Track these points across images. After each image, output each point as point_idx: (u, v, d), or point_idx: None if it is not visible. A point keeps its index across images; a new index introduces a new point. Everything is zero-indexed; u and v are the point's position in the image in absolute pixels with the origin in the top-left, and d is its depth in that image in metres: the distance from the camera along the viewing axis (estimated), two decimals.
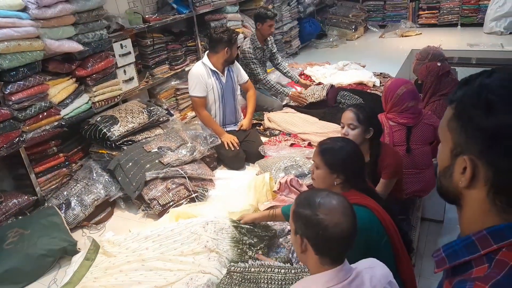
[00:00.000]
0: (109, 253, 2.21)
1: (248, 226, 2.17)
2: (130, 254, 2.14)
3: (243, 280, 1.79)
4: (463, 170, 0.75)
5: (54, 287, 2.13)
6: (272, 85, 4.03)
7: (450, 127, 0.77)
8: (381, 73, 4.71)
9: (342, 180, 1.65)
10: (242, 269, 1.81)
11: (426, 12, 7.34)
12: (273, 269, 1.75)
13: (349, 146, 1.71)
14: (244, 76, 3.60)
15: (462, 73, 4.11)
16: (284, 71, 4.38)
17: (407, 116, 2.49)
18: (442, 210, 3.03)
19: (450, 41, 6.03)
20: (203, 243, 2.08)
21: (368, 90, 4.20)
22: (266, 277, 1.75)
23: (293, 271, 1.73)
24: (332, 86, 4.03)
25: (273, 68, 4.50)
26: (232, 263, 1.89)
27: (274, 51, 4.29)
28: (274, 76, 4.54)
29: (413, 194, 2.58)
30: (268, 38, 4.16)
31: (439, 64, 3.09)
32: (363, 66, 5.02)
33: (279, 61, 4.36)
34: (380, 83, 4.40)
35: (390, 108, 2.53)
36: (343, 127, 2.24)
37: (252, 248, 2.08)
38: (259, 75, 4.00)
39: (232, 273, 1.82)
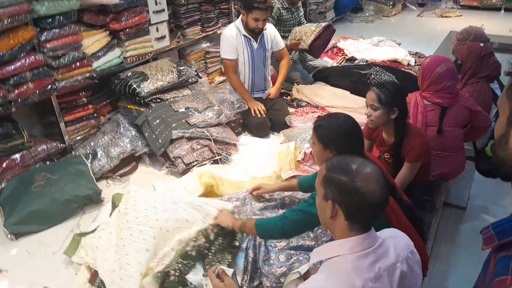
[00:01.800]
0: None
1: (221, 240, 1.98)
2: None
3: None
4: None
5: (77, 232, 2.20)
6: None
7: (508, 94, 0.78)
8: (416, 53, 4.58)
9: (334, 155, 1.64)
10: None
11: None
12: None
13: (343, 122, 1.69)
14: (280, 44, 3.49)
15: (501, 59, 3.92)
16: None
17: (443, 96, 2.40)
18: (466, 197, 2.97)
19: (492, 25, 5.74)
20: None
21: (402, 68, 4.07)
22: None
23: None
24: (329, 26, 3.67)
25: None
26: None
27: (303, 21, 4.10)
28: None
29: (440, 176, 2.52)
30: (299, 4, 4.04)
31: (482, 44, 2.96)
32: (399, 44, 4.87)
33: None
34: (415, 62, 4.27)
35: (427, 86, 2.43)
36: (367, 107, 2.19)
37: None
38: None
39: None
